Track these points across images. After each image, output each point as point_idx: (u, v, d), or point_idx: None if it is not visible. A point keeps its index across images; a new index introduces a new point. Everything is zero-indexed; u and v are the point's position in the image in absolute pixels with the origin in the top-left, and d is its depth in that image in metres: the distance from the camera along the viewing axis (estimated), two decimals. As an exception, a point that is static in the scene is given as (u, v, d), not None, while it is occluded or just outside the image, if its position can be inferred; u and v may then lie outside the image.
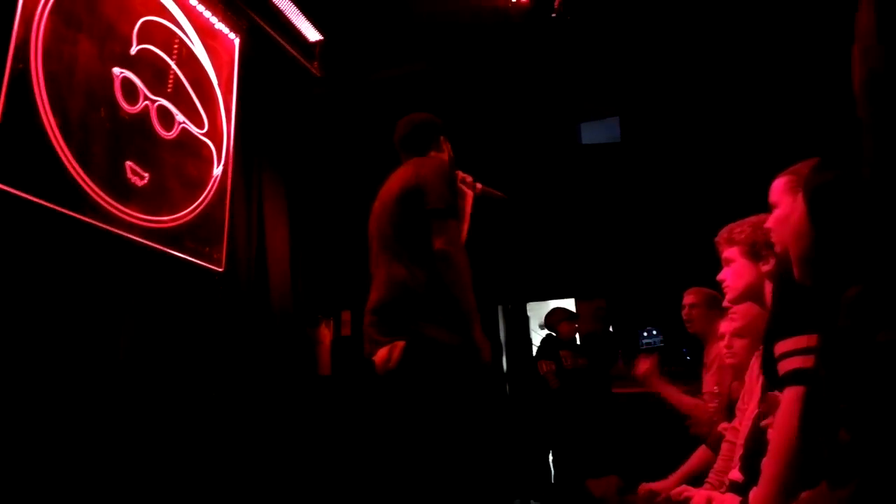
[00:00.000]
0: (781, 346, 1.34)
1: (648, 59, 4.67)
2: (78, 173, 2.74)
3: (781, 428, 1.31)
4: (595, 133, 5.83)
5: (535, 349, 5.04)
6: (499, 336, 5.55)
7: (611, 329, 5.22)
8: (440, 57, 4.57)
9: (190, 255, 3.36)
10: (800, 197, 1.12)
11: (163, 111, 3.33)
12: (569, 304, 5.26)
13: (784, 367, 1.33)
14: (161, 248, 3.17)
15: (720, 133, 4.85)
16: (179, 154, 3.41)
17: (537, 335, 5.25)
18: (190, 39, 3.60)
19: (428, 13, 4.20)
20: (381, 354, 2.07)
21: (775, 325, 1.43)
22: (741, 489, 1.56)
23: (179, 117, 3.44)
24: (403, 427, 2.06)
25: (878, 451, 0.85)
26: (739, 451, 1.74)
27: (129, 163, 3.05)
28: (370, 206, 2.35)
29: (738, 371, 1.98)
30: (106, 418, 2.74)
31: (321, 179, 4.98)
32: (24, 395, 2.42)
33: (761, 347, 1.58)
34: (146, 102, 3.22)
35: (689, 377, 3.22)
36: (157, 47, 3.34)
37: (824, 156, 1.11)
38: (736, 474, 1.67)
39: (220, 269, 3.60)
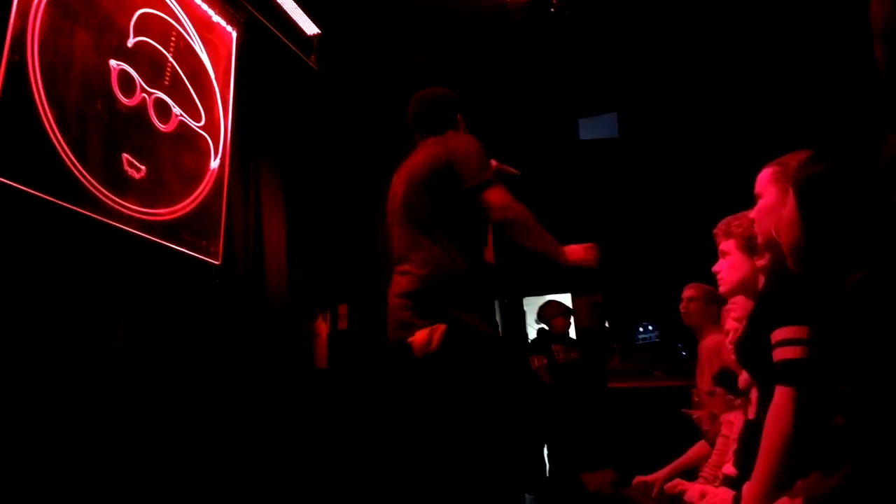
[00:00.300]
0: (779, 334, 1.34)
1: (646, 56, 4.67)
2: (74, 165, 2.74)
3: (774, 422, 1.31)
4: (593, 129, 5.83)
5: (531, 345, 5.03)
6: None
7: (606, 325, 5.22)
8: (438, 52, 4.55)
9: (187, 248, 3.36)
10: (788, 188, 1.12)
11: (160, 104, 3.32)
12: (565, 299, 5.26)
13: (779, 355, 1.33)
14: (158, 240, 3.17)
15: (718, 129, 4.85)
16: (176, 147, 3.40)
17: (534, 330, 5.25)
18: (187, 32, 3.59)
19: (426, 8, 4.19)
20: (420, 336, 2.00)
21: (764, 313, 1.43)
22: (735, 483, 1.57)
23: (176, 110, 3.43)
24: (438, 410, 2.00)
25: (873, 433, 0.85)
26: (733, 446, 1.75)
27: (125, 155, 3.05)
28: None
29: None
30: (103, 409, 2.75)
31: (318, 173, 4.97)
32: (21, 388, 2.42)
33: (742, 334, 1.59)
34: (143, 95, 3.21)
35: (685, 373, 3.23)
36: (155, 40, 3.33)
37: (817, 149, 1.11)
38: (730, 468, 1.68)
39: (216, 263, 3.60)
